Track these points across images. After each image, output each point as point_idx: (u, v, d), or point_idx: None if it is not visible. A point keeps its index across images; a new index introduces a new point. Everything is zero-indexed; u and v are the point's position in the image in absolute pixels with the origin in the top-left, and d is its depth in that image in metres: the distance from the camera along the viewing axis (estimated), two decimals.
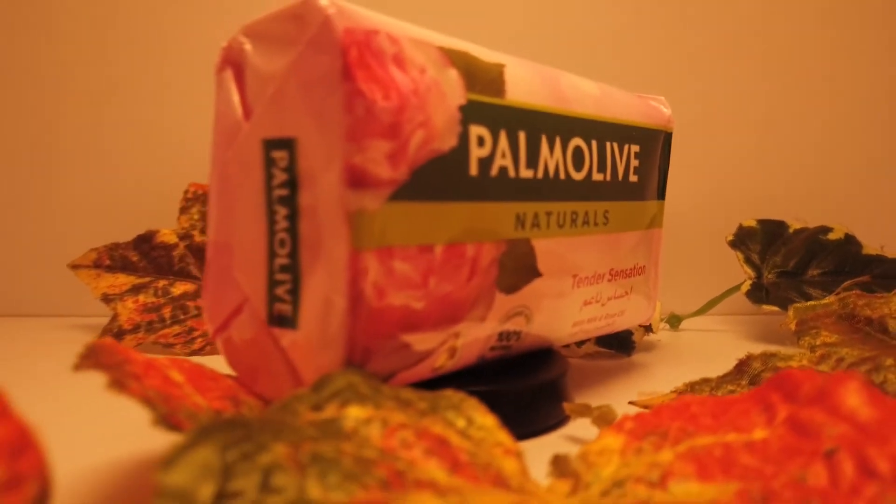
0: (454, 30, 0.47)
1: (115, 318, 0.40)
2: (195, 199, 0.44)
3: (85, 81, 0.47)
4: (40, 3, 0.46)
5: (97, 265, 0.42)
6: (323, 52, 0.18)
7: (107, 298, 0.41)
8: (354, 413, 0.16)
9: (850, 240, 0.42)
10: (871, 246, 0.42)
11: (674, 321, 0.43)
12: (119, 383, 0.16)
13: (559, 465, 0.17)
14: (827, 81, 0.49)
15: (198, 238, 0.43)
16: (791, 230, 0.43)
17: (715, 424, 0.17)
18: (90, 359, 0.17)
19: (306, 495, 0.13)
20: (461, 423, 0.17)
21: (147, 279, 0.42)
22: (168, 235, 0.43)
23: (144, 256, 0.43)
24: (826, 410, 0.16)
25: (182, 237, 0.43)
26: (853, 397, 0.16)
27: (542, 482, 0.20)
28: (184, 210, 0.44)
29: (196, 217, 0.44)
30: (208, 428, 0.14)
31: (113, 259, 0.43)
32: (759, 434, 0.16)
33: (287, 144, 0.19)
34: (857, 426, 0.15)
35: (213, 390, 0.19)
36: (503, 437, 0.17)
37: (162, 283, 0.42)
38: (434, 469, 0.15)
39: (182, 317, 0.41)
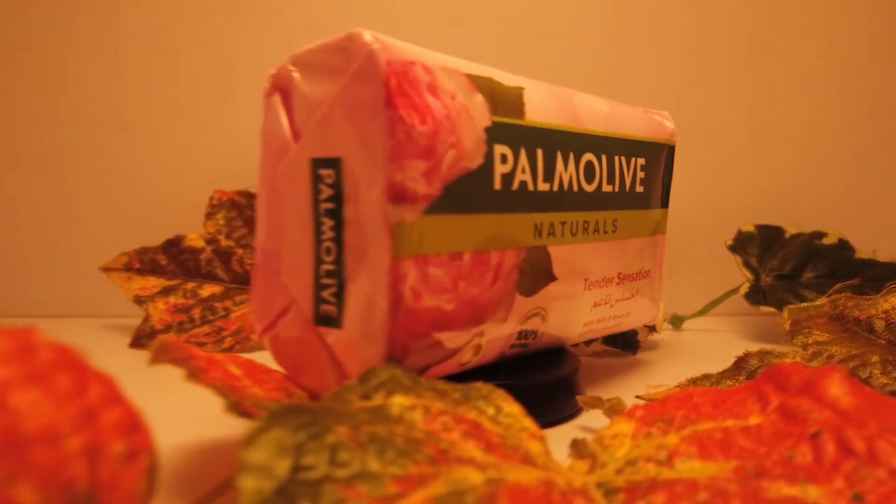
0: (474, 45, 0.50)
1: (147, 318, 0.42)
2: (220, 206, 0.46)
3: (116, 96, 0.49)
4: (77, 20, 0.48)
5: (128, 268, 0.45)
6: (367, 83, 0.20)
7: (139, 300, 0.43)
8: (399, 401, 0.18)
9: (843, 244, 0.44)
10: (863, 250, 0.45)
11: (676, 321, 0.46)
12: (194, 375, 0.18)
13: (578, 448, 0.19)
14: (823, 92, 0.51)
15: (223, 243, 0.46)
16: (787, 235, 0.45)
17: (715, 412, 0.19)
18: (162, 354, 0.19)
19: (368, 468, 0.15)
20: (491, 410, 0.19)
21: (176, 281, 0.45)
22: (195, 240, 0.45)
23: (173, 260, 0.45)
24: (812, 399, 0.18)
25: (209, 241, 0.45)
26: (836, 387, 0.18)
27: (563, 463, 0.22)
28: (209, 216, 0.46)
29: (221, 222, 0.46)
30: (279, 413, 0.16)
31: (143, 262, 0.45)
32: (753, 420, 0.19)
33: (333, 163, 0.21)
34: (839, 412, 0.17)
35: (267, 382, 0.21)
36: (528, 423, 0.19)
37: (190, 285, 0.44)
38: (472, 449, 0.17)
39: (211, 317, 0.43)
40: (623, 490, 0.17)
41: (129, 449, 0.13)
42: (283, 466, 0.15)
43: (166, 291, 0.44)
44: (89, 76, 0.49)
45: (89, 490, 0.12)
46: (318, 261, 0.22)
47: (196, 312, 0.43)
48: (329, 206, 0.21)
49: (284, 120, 0.22)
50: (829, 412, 0.18)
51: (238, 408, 0.18)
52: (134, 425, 0.14)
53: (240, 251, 0.46)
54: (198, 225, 0.50)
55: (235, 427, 0.26)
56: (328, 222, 0.21)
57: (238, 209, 0.47)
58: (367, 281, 0.21)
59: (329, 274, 0.22)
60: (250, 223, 0.47)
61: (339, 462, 0.15)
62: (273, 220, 0.23)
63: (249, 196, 0.47)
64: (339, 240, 0.21)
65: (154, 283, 0.44)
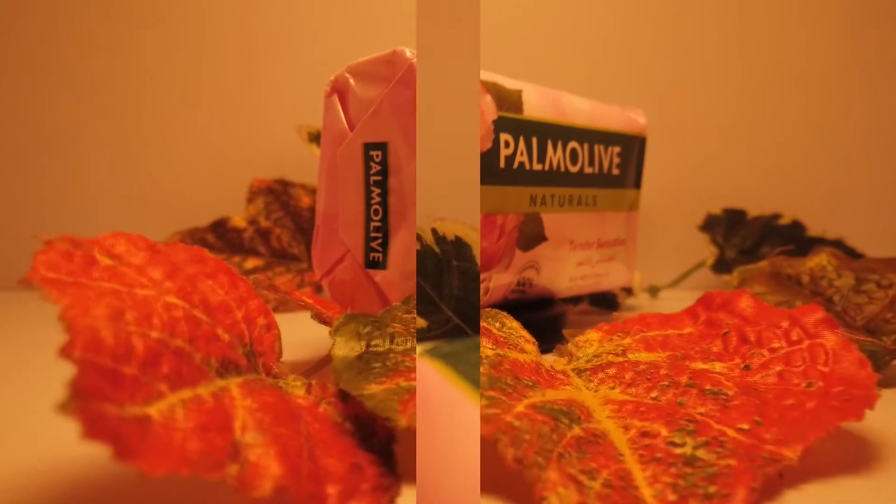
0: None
1: None
2: (259, 192, 0.54)
3: (175, 101, 0.56)
4: (142, 37, 0.56)
5: None
6: (408, 87, 0.27)
7: None
8: None
9: (796, 225, 0.52)
10: (814, 229, 0.52)
11: (653, 291, 0.53)
12: (287, 296, 0.25)
13: (559, 350, 0.26)
14: (784, 93, 0.59)
15: (263, 223, 0.53)
16: (749, 217, 0.53)
17: (660, 326, 0.27)
18: (258, 286, 0.27)
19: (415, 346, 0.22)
20: (497, 324, 0.27)
21: (223, 256, 0.52)
22: (239, 221, 0.53)
23: (220, 238, 0.52)
24: (727, 312, 0.25)
25: (250, 222, 0.53)
26: (744, 302, 0.25)
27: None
28: (250, 200, 0.53)
29: (261, 206, 0.53)
30: (352, 316, 0.23)
31: (193, 240, 0.52)
32: (687, 329, 0.26)
33: (381, 147, 0.28)
34: (743, 318, 0.25)
35: (330, 309, 0.29)
36: (524, 332, 0.27)
37: (236, 259, 0.52)
38: (485, 343, 0.24)
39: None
40: (588, 370, 0.24)
41: (267, 323, 0.21)
42: (360, 344, 0.22)
43: None
44: (147, 83, 0.56)
45: (249, 342, 0.20)
46: (368, 219, 0.29)
47: None
48: (377, 178, 0.29)
49: (341, 115, 0.30)
50: (737, 319, 0.25)
51: (320, 317, 0.25)
52: (266, 310, 0.21)
53: (277, 230, 0.53)
54: (240, 208, 0.58)
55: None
56: (376, 190, 0.29)
57: (275, 195, 0.54)
58: (406, 233, 0.28)
59: (376, 230, 0.29)
60: (286, 207, 0.54)
61: (397, 343, 0.22)
62: (331, 190, 0.30)
63: (284, 184, 0.54)
64: (384, 203, 0.29)
65: None
